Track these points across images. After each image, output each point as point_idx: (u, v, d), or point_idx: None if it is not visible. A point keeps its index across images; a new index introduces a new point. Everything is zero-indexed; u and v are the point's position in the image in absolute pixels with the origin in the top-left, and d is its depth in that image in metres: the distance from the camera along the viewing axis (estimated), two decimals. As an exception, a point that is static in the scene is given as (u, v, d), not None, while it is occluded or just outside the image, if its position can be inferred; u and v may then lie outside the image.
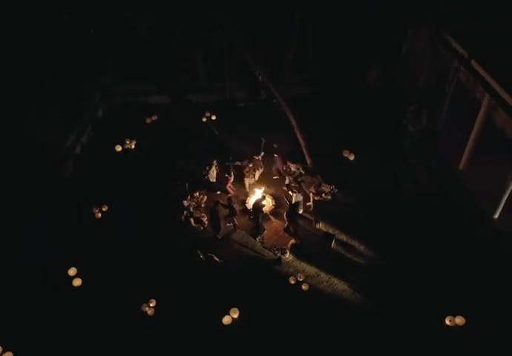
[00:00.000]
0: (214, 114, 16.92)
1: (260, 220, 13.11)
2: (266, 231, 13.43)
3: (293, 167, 14.70)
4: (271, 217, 14.13)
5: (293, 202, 13.35)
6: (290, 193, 13.70)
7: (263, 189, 14.66)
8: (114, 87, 18.88)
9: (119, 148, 15.86)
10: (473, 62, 13.52)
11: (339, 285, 12.04)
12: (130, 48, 17.65)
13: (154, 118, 17.69)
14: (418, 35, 15.77)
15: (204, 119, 16.76)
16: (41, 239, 13.13)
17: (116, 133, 16.97)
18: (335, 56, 17.79)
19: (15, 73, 14.28)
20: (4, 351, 10.21)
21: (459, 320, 10.79)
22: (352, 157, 15.10)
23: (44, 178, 14.52)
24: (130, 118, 18.25)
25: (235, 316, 10.96)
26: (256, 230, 13.23)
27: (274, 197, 14.57)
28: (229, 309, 10.97)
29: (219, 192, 14.74)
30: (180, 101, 19.09)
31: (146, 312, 11.09)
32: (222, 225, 13.35)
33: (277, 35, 17.00)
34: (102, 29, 16.74)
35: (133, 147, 16.21)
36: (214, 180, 14.72)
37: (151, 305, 11.19)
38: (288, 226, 13.56)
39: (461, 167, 15.21)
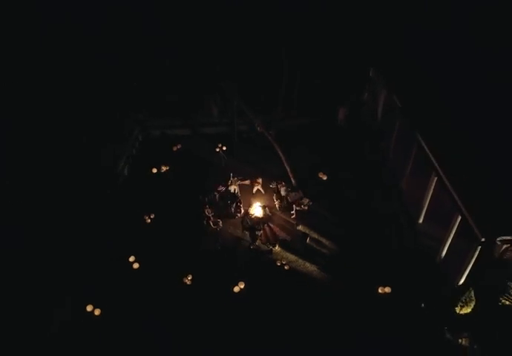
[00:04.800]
0: (224, 145, 22.37)
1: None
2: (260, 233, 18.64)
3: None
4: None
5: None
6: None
7: (259, 203, 19.68)
8: (148, 122, 24.70)
9: (154, 170, 21.61)
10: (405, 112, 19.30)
11: (310, 267, 17.69)
12: (160, 94, 23.69)
13: (179, 146, 23.51)
14: (373, 87, 21.60)
15: (217, 150, 22.33)
16: (109, 236, 18.88)
17: (151, 159, 22.72)
18: (313, 102, 23.72)
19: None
20: (94, 308, 15.91)
21: (388, 289, 16.31)
22: (325, 178, 20.90)
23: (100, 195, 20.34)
24: (161, 146, 23.94)
25: (242, 286, 16.36)
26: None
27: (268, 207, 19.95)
28: (238, 282, 16.37)
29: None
30: (198, 133, 24.84)
31: (186, 283, 16.69)
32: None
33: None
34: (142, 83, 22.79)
35: (165, 170, 21.83)
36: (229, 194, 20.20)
37: (189, 278, 16.75)
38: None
39: (403, 186, 20.93)
